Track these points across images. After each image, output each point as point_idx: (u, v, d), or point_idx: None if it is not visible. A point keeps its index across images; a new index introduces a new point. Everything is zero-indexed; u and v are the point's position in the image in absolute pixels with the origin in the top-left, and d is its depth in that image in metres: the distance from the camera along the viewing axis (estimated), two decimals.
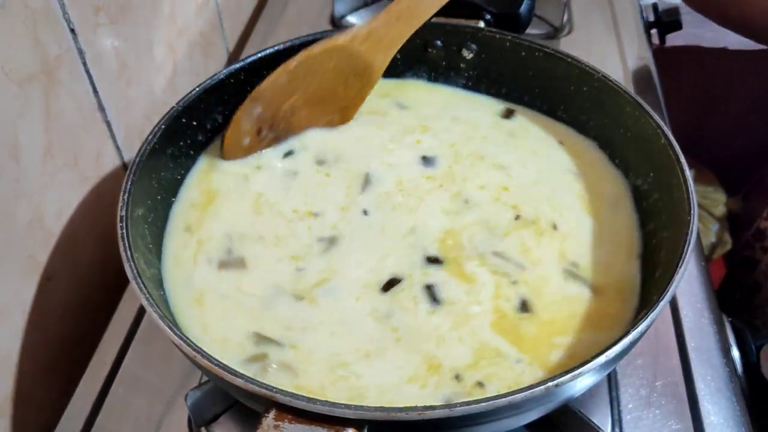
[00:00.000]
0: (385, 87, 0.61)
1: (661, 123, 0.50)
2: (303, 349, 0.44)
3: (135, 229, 0.45)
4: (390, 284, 0.47)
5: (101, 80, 0.56)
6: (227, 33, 0.84)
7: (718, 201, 1.33)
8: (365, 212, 0.52)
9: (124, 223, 0.44)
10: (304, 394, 0.34)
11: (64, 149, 0.53)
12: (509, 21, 0.67)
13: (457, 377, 0.42)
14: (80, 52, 0.53)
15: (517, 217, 0.52)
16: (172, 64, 0.68)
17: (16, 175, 0.47)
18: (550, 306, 0.46)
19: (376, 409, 0.34)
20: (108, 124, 0.58)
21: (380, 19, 0.54)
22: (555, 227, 0.51)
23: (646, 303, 0.45)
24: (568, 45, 0.81)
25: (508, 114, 0.61)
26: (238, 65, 0.56)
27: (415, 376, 0.42)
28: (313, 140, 0.58)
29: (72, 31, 0.52)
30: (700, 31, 1.15)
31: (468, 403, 0.34)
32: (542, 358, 0.43)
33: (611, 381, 0.49)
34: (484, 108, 0.62)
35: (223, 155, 0.55)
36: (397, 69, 0.62)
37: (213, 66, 0.79)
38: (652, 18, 0.91)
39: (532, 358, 0.43)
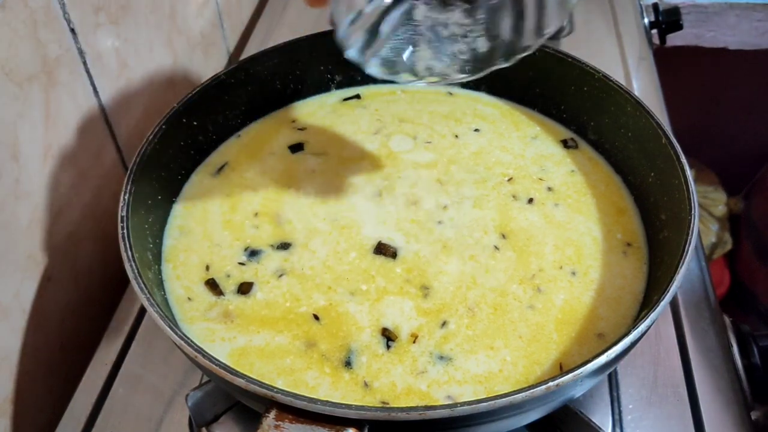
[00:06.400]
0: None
1: (662, 123, 0.50)
2: None
3: (135, 229, 0.45)
4: None
5: (101, 80, 0.56)
6: (227, 33, 0.83)
7: (718, 201, 1.33)
8: None
9: (124, 223, 0.44)
10: (305, 395, 0.34)
11: (64, 149, 0.52)
12: None
13: None
14: (80, 52, 0.53)
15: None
16: (172, 64, 0.68)
17: (16, 175, 0.47)
18: None
19: (377, 409, 0.34)
20: (108, 124, 0.58)
21: None
22: None
23: (646, 303, 0.45)
24: (568, 45, 0.81)
25: None
26: (238, 65, 0.56)
27: None
28: None
29: (72, 31, 0.52)
30: (700, 31, 1.16)
31: (469, 403, 0.34)
32: None
33: (612, 381, 0.49)
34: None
35: None
36: None
37: (213, 66, 0.79)
38: (652, 18, 0.91)
39: None
